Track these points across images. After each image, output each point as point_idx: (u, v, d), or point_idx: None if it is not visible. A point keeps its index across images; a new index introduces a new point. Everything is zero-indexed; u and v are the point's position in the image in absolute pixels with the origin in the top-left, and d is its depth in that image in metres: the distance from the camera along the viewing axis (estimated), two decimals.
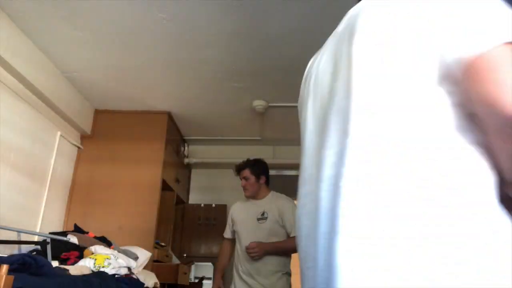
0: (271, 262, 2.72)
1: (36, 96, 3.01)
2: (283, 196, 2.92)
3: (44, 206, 3.14)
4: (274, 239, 2.73)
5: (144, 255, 2.97)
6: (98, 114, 3.95)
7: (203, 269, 4.51)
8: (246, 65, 3.17)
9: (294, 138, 5.26)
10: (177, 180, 4.29)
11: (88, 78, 3.38)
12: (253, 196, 2.89)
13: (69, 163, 3.65)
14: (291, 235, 2.72)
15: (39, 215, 3.09)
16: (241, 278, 2.72)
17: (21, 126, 2.88)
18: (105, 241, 3.06)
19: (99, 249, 2.74)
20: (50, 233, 2.89)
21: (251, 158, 3.04)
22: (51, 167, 3.27)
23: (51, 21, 2.64)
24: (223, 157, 4.74)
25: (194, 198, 4.84)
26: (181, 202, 4.53)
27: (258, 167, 2.92)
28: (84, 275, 2.30)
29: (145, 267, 3.03)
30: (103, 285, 2.26)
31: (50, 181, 3.24)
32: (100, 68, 3.24)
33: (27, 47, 2.82)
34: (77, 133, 3.77)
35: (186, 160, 4.71)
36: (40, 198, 3.13)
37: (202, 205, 4.53)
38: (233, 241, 2.97)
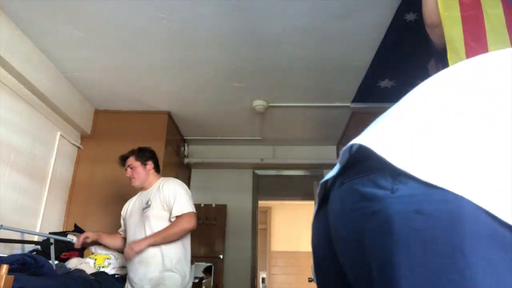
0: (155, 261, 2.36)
1: (36, 96, 3.01)
2: (172, 179, 2.66)
3: (44, 206, 3.14)
4: (157, 224, 2.42)
5: None
6: (98, 114, 3.95)
7: (203, 269, 4.51)
8: (246, 65, 3.17)
9: (294, 138, 5.29)
10: None
11: (88, 78, 3.38)
12: (142, 185, 2.62)
13: (69, 163, 3.65)
14: (172, 216, 2.42)
15: (39, 215, 3.09)
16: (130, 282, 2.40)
17: (21, 126, 2.88)
18: None
19: (99, 249, 2.74)
20: (50, 233, 2.89)
21: None
22: (51, 167, 3.27)
23: (51, 21, 2.64)
24: (223, 157, 4.74)
25: (194, 198, 4.80)
26: None
27: (143, 153, 2.68)
28: (84, 275, 2.30)
29: None
30: (103, 285, 2.26)
31: (50, 181, 3.24)
32: (100, 68, 3.24)
33: (27, 47, 2.82)
34: (77, 133, 3.77)
35: (186, 160, 4.71)
36: (40, 198, 3.13)
37: (202, 205, 4.53)
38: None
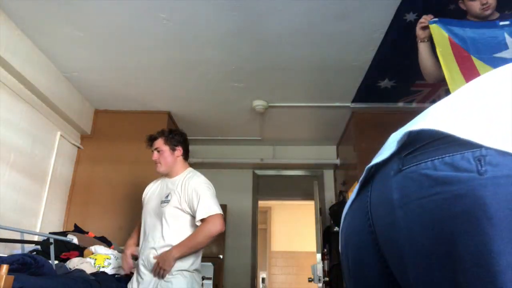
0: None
1: (36, 96, 3.01)
2: (197, 174, 2.41)
3: (44, 206, 3.14)
4: (173, 225, 2.23)
5: None
6: (98, 114, 3.95)
7: (203, 269, 4.49)
8: (246, 65, 3.17)
9: (294, 138, 5.28)
10: None
11: (88, 78, 3.38)
12: (168, 172, 2.40)
13: (69, 163, 3.65)
14: (197, 219, 2.20)
15: (39, 215, 3.09)
16: (139, 271, 2.24)
17: (21, 126, 2.88)
18: (105, 241, 3.06)
19: (99, 249, 2.74)
20: (50, 233, 2.89)
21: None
22: (51, 167, 3.27)
23: (51, 21, 2.64)
24: (223, 157, 4.74)
25: None
26: None
27: (174, 137, 2.43)
28: (84, 275, 2.30)
29: None
30: (103, 285, 2.26)
31: (50, 181, 3.24)
32: (100, 68, 3.24)
33: (27, 47, 2.82)
34: (77, 133, 3.77)
35: None
36: (40, 198, 3.13)
37: None
38: None
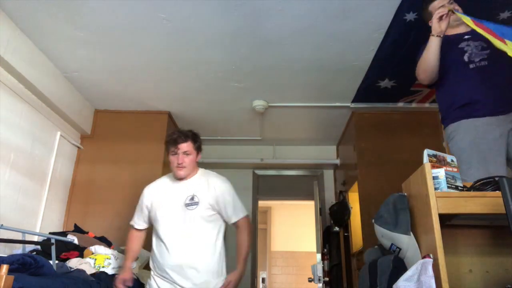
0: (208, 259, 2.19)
1: (36, 96, 3.01)
2: (217, 175, 2.39)
3: (44, 206, 3.14)
4: (208, 228, 2.21)
5: (144, 255, 2.96)
6: (98, 114, 3.95)
7: None
8: (246, 65, 3.17)
9: (294, 138, 5.28)
10: None
11: (88, 78, 3.38)
12: (186, 176, 2.31)
13: (69, 163, 3.65)
14: (231, 222, 2.28)
15: (39, 215, 3.09)
16: (165, 277, 2.17)
17: (21, 126, 2.88)
18: (105, 241, 3.06)
19: (99, 249, 2.74)
20: (50, 233, 2.89)
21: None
22: (51, 167, 3.27)
23: (51, 21, 2.64)
24: (223, 157, 4.74)
25: None
26: None
27: (197, 139, 2.34)
28: (84, 275, 2.30)
29: (145, 267, 3.02)
30: (103, 285, 2.26)
31: (50, 181, 3.24)
32: (100, 68, 3.24)
33: (27, 47, 2.82)
34: (77, 133, 3.77)
35: None
36: (40, 198, 3.13)
37: None
38: (144, 231, 2.43)
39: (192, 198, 2.21)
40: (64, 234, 2.94)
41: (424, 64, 2.01)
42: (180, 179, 2.30)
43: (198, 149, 2.33)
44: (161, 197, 2.31)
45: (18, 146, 2.84)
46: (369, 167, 3.62)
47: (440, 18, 1.89)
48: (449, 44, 2.03)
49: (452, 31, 2.09)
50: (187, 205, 2.21)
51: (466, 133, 1.92)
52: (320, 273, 3.66)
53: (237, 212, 2.28)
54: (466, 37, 2.06)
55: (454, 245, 1.66)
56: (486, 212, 1.44)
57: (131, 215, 2.46)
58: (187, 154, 2.27)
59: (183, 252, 2.15)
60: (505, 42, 1.62)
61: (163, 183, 2.40)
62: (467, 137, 1.91)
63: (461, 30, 2.10)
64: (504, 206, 1.14)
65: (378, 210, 1.75)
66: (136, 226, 2.39)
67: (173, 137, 2.29)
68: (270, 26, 2.68)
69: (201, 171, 2.37)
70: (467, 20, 1.80)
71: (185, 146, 2.26)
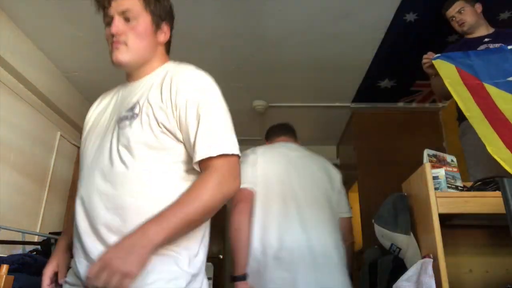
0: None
1: (36, 96, 3.01)
2: (188, 66, 1.38)
3: (44, 206, 3.14)
4: (146, 165, 1.07)
5: None
6: None
7: None
8: (246, 65, 3.17)
9: None
10: None
11: (88, 78, 3.38)
12: (135, 67, 1.26)
13: (69, 163, 3.64)
14: (194, 163, 1.09)
15: (39, 215, 3.09)
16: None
17: (21, 126, 2.88)
18: None
19: None
20: (50, 233, 2.90)
21: None
22: (51, 167, 3.27)
23: (51, 21, 2.64)
24: None
25: None
26: None
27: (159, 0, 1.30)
28: None
29: None
30: None
31: (50, 181, 3.24)
32: (100, 68, 3.23)
33: (27, 47, 2.82)
34: (77, 133, 3.76)
35: None
36: (40, 198, 3.13)
37: None
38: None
39: (132, 108, 1.17)
40: None
41: (435, 91, 2.31)
42: (130, 79, 1.32)
43: (158, 17, 1.26)
44: (97, 115, 1.43)
45: (18, 146, 2.83)
46: (369, 167, 3.62)
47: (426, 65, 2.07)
48: (470, 48, 2.07)
49: (471, 36, 2.18)
50: (120, 119, 1.18)
51: None
52: None
53: (205, 146, 1.09)
54: (486, 39, 2.11)
55: (454, 245, 1.66)
56: (486, 212, 1.44)
57: None
58: (128, 19, 1.20)
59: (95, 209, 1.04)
60: (483, 85, 1.77)
61: (109, 93, 1.46)
62: None
63: (480, 33, 2.16)
64: (504, 206, 1.14)
65: (378, 210, 1.75)
66: None
67: None
68: (270, 26, 2.68)
69: (166, 64, 1.34)
70: (450, 67, 1.90)
71: (124, 2, 1.20)
